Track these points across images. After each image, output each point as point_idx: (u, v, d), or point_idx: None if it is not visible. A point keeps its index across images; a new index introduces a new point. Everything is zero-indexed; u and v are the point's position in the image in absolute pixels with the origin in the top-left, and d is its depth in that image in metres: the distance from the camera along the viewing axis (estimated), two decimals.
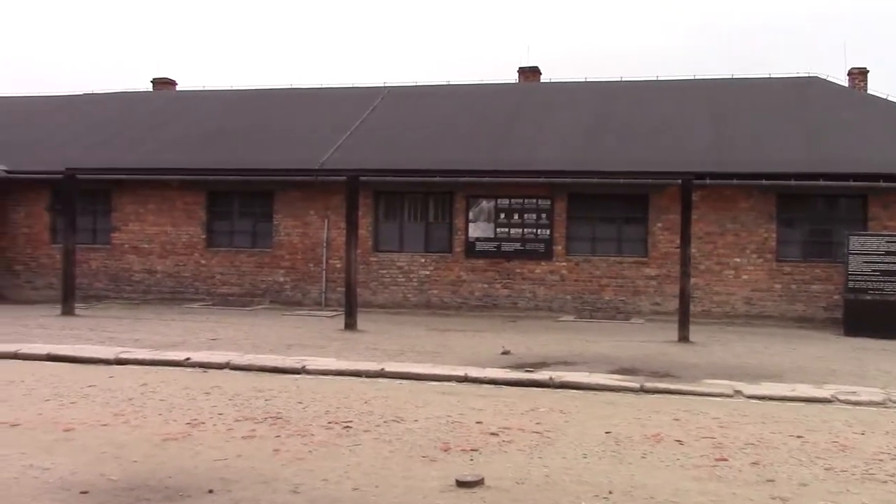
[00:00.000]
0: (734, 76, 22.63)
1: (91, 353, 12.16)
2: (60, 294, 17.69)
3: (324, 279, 19.86)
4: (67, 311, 17.14)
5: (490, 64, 60.08)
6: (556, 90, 22.92)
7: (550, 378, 10.73)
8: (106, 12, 67.99)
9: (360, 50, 64.51)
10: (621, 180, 17.54)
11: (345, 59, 62.65)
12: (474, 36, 64.30)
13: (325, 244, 19.87)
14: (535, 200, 18.89)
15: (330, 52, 64.43)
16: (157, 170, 19.82)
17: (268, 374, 11.10)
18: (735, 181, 17.33)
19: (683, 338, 14.47)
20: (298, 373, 11.20)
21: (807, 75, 22.27)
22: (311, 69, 60.96)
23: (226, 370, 11.34)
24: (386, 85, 24.57)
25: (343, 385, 10.35)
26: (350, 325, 15.78)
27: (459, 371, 11.12)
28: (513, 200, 18.99)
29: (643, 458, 6.81)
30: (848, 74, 23.28)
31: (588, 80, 23.43)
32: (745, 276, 17.91)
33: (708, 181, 17.34)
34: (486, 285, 19.11)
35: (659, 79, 22.94)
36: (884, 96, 20.68)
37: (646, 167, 17.46)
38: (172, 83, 28.04)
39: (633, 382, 10.62)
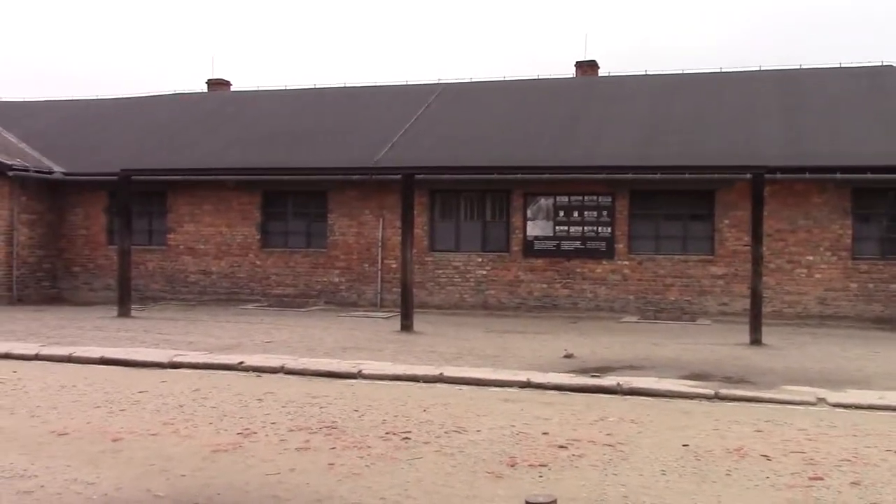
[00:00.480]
0: (802, 66, 21.70)
1: (144, 356, 11.94)
2: (117, 295, 17.60)
3: (379, 279, 19.51)
4: (124, 312, 17.05)
5: (546, 58, 59.09)
6: (615, 84, 22.26)
7: (618, 384, 10.19)
8: (159, 13, 68.84)
9: (414, 47, 64.17)
10: (686, 175, 16.83)
11: (399, 56, 62.39)
12: (530, 30, 63.40)
13: (380, 244, 19.52)
14: (595, 197, 18.28)
15: (383, 49, 64.23)
16: (211, 170, 19.64)
17: (322, 378, 10.74)
18: (808, 175, 16.51)
19: (756, 340, 13.76)
20: (354, 377, 10.82)
21: (879, 64, 21.26)
22: (364, 67, 60.82)
23: (279, 374, 11.01)
24: (441, 82, 24.15)
25: (400, 391, 9.94)
26: (406, 326, 15.37)
27: (521, 376, 10.63)
28: (572, 198, 18.41)
29: (728, 475, 6.25)
30: None
31: (648, 73, 22.73)
32: (818, 275, 17.08)
33: (778, 175, 16.56)
34: (545, 285, 18.56)
35: (722, 70, 22.14)
36: None
37: (712, 162, 16.72)
38: (227, 84, 28.00)
39: (706, 389, 10.02)
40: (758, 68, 21.87)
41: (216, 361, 11.54)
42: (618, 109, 20.63)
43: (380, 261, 19.51)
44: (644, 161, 17.46)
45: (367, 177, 18.95)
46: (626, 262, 18.10)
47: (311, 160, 19.83)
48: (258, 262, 20.45)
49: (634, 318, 17.54)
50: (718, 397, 9.78)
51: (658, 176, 17.09)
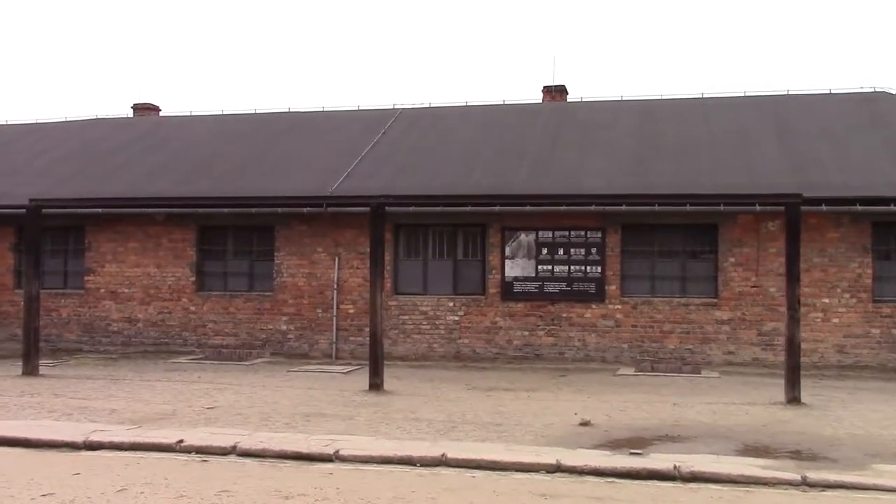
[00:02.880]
0: (790, 92, 20.13)
1: (52, 433, 9.25)
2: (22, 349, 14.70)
3: (334, 327, 17.00)
4: (29, 370, 14.18)
5: (508, 84, 56.69)
6: (591, 109, 20.34)
7: (675, 467, 7.93)
8: (78, 36, 65.17)
9: (360, 71, 61.13)
10: (688, 206, 14.82)
11: (347, 81, 59.24)
12: (488, 55, 60.89)
13: (335, 286, 17.03)
14: (583, 233, 16.18)
15: (329, 74, 61.05)
16: (137, 200, 16.98)
17: (289, 463, 8.25)
18: (824, 207, 14.66)
19: (794, 399, 11.70)
20: (329, 460, 8.36)
21: (872, 90, 19.81)
22: (309, 93, 57.49)
23: (232, 458, 8.47)
24: (397, 107, 21.92)
25: (395, 481, 7.53)
26: (375, 385, 12.92)
27: (546, 456, 8.30)
28: (557, 233, 16.27)
29: None
30: None
31: (624, 98, 20.89)
32: (835, 320, 15.21)
33: (824, 207, 14.68)
34: (526, 333, 16.30)
35: (706, 96, 20.44)
36: None
37: (724, 190, 14.79)
38: (155, 109, 25.28)
39: (787, 472, 7.84)
40: (742, 94, 20.24)
41: (147, 441, 8.91)
42: (599, 136, 18.66)
43: (335, 306, 17.02)
44: (638, 191, 15.44)
45: (323, 209, 16.48)
46: (619, 306, 15.98)
47: (254, 190, 17.33)
48: (193, 308, 17.74)
49: (631, 370, 15.37)
50: (808, 484, 7.61)
51: (656, 208, 15.07)
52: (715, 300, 15.67)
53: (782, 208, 14.70)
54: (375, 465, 8.21)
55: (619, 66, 56.41)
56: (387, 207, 14.53)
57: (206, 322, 17.66)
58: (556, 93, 22.56)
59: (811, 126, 18.23)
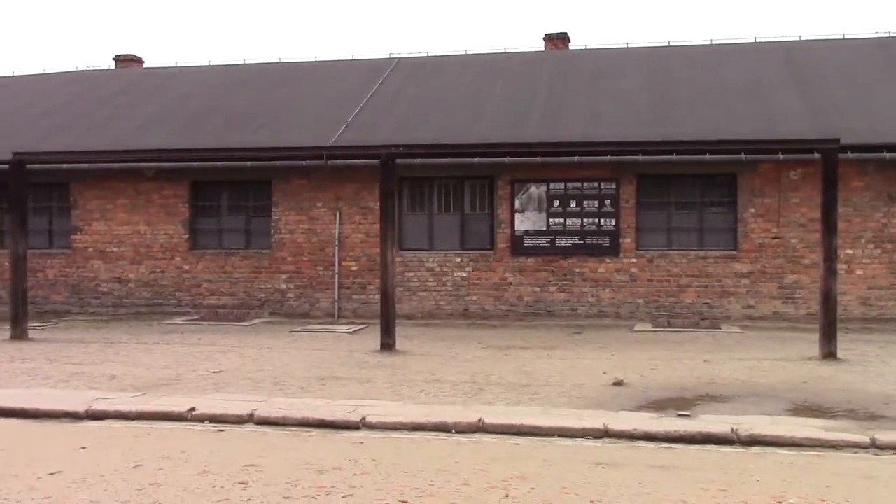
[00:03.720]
0: (802, 37, 19.42)
1: (51, 402, 8.55)
2: (10, 312, 13.91)
3: (336, 285, 16.30)
4: (18, 334, 13.41)
5: (507, 31, 54.60)
6: (597, 58, 19.54)
7: (732, 430, 7.36)
8: None
9: (350, 19, 59.29)
10: (707, 156, 14.17)
11: (334, 29, 57.42)
12: (484, 1, 58.97)
13: (336, 242, 16.30)
14: (596, 184, 15.49)
15: (314, 22, 59.25)
16: (127, 152, 16.07)
17: (312, 430, 7.61)
18: (850, 154, 14.00)
19: (830, 354, 11.16)
20: (356, 428, 7.72)
21: (887, 35, 19.12)
22: (296, 42, 55.86)
23: (249, 426, 7.81)
24: (393, 56, 21.03)
25: (433, 450, 6.92)
26: (387, 345, 12.28)
27: (591, 421, 7.69)
28: (569, 184, 15.57)
29: None
30: None
31: (631, 45, 20.08)
32: (859, 272, 14.66)
33: (850, 154, 14.02)
34: (537, 289, 15.67)
35: (716, 42, 19.68)
36: None
37: (747, 135, 14.12)
38: (139, 60, 24.21)
39: (853, 434, 7.28)
40: (753, 39, 19.50)
41: (156, 409, 8.22)
42: (608, 85, 17.90)
43: (336, 263, 16.30)
44: (654, 140, 14.74)
45: (323, 162, 15.69)
46: (634, 260, 15.36)
47: (248, 144, 16.48)
48: (186, 267, 16.97)
49: (648, 326, 14.80)
50: (878, 447, 7.06)
51: (674, 157, 14.39)
52: (734, 252, 15.08)
53: (807, 156, 14.25)
54: (407, 432, 7.58)
55: (621, 13, 54.87)
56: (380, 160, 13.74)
57: (200, 282, 16.90)
58: (558, 40, 21.72)
59: (828, 72, 17.55)
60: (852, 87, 16.68)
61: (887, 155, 14.16)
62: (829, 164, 11.23)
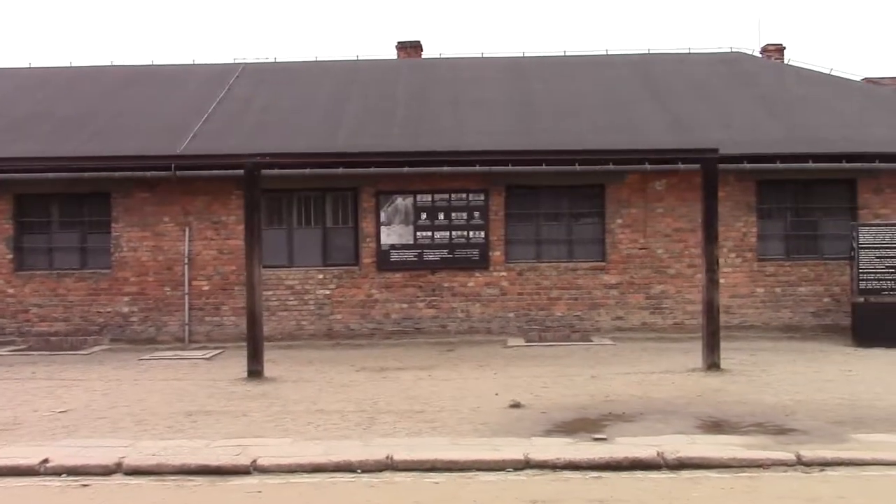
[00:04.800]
0: (651, 51, 19.82)
1: None
2: None
3: (186, 307, 14.95)
4: None
5: (355, 39, 52.99)
6: (455, 67, 19.11)
7: (658, 454, 6.95)
8: None
9: (188, 23, 55.99)
10: (578, 166, 14.00)
11: (169, 33, 54.08)
12: (328, 7, 57.14)
13: (186, 260, 14.97)
14: (464, 195, 14.97)
15: (142, 25, 55.64)
16: None
17: (199, 480, 6.61)
18: (720, 165, 14.08)
19: (713, 365, 11.10)
20: (248, 472, 6.79)
21: (729, 51, 19.82)
22: (128, 47, 52.24)
23: (118, 477, 6.72)
24: (238, 62, 19.82)
25: (344, 496, 6.13)
26: (256, 372, 11.26)
27: (508, 451, 7.12)
28: (437, 196, 14.97)
29: None
30: (763, 51, 21.06)
31: (485, 55, 19.83)
32: (721, 280, 14.72)
33: (681, 166, 14.19)
34: (405, 305, 14.96)
35: (568, 54, 19.73)
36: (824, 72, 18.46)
37: (617, 145, 14.05)
38: None
39: (775, 452, 7.12)
40: (605, 52, 19.69)
41: (2, 463, 6.91)
42: (469, 94, 17.49)
43: (186, 283, 14.96)
44: (522, 148, 14.44)
45: (171, 172, 14.35)
46: (504, 273, 14.95)
47: (82, 153, 14.89)
48: (11, 291, 15.10)
49: (521, 341, 14.41)
50: (804, 463, 6.87)
51: (543, 168, 14.13)
52: (603, 264, 14.95)
53: (671, 167, 14.37)
54: (306, 474, 6.73)
55: (470, 22, 54.82)
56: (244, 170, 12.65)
57: (28, 306, 15.09)
58: (410, 49, 21.20)
59: (680, 85, 17.90)
60: (707, 100, 17.06)
61: (747, 166, 14.44)
62: (709, 174, 11.21)
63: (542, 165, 14.23)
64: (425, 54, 21.39)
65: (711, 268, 11.14)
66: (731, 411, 8.79)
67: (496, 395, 9.86)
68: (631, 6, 55.72)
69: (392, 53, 21.61)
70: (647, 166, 14.31)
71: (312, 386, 10.72)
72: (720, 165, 13.42)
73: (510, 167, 14.35)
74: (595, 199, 15.12)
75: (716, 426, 8.15)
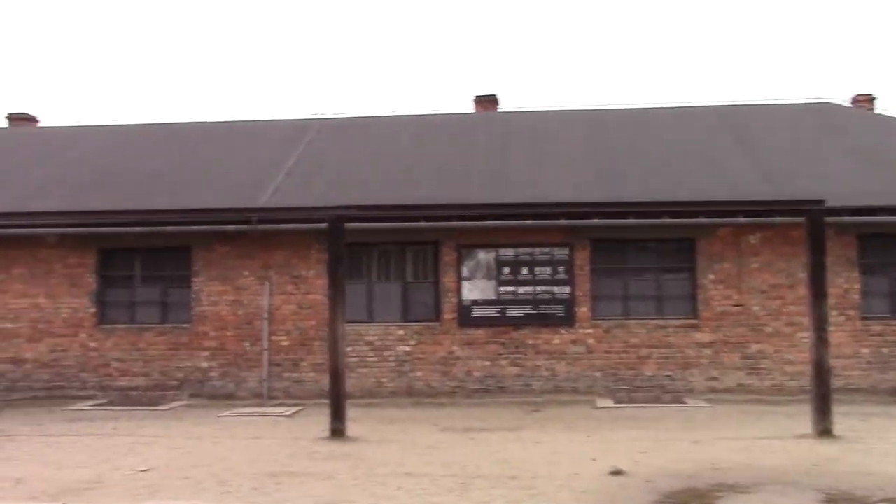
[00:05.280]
0: (736, 102, 19.26)
1: None
2: None
3: (265, 363, 14.74)
4: None
5: (428, 94, 53.25)
6: (532, 120, 18.86)
7: None
8: None
9: (263, 81, 57.23)
10: (667, 219, 13.49)
11: (245, 91, 55.23)
12: (403, 64, 57.87)
13: (266, 315, 14.80)
14: (548, 249, 14.56)
15: (219, 84, 56.95)
16: (23, 214, 14.37)
17: None
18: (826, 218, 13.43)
19: (825, 431, 10.33)
20: None
21: (820, 101, 19.17)
22: (204, 104, 53.51)
23: None
24: (316, 117, 19.87)
25: None
26: (338, 431, 10.87)
27: None
28: (519, 250, 14.59)
29: None
30: (853, 101, 20.33)
31: (565, 108, 19.55)
32: None
33: (777, 219, 13.56)
34: (487, 363, 14.51)
35: (650, 106, 19.31)
36: None
37: (714, 196, 13.52)
38: (33, 120, 22.32)
39: None
40: (688, 104, 19.22)
41: None
42: (548, 147, 17.17)
43: (266, 338, 14.77)
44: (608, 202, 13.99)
45: (254, 226, 14.29)
46: (591, 330, 14.41)
47: (164, 206, 14.95)
48: (93, 345, 15.11)
49: (609, 402, 13.78)
50: None
51: (631, 221, 13.66)
52: (695, 321, 14.31)
53: (766, 220, 13.76)
54: None
55: (544, 77, 54.82)
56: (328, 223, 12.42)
57: (109, 361, 15.05)
58: (487, 102, 21.04)
59: (769, 136, 17.31)
60: (798, 151, 16.44)
61: (848, 219, 13.75)
62: (814, 227, 10.59)
63: (629, 218, 13.77)
64: (500, 108, 21.20)
65: (821, 326, 10.43)
66: (856, 483, 8.06)
67: (593, 460, 9.28)
68: (709, 58, 55.09)
69: (466, 107, 21.51)
70: (742, 219, 13.71)
71: (397, 447, 10.28)
72: (829, 218, 12.83)
73: (595, 220, 13.90)
74: (685, 254, 14.55)
75: (843, 501, 7.45)
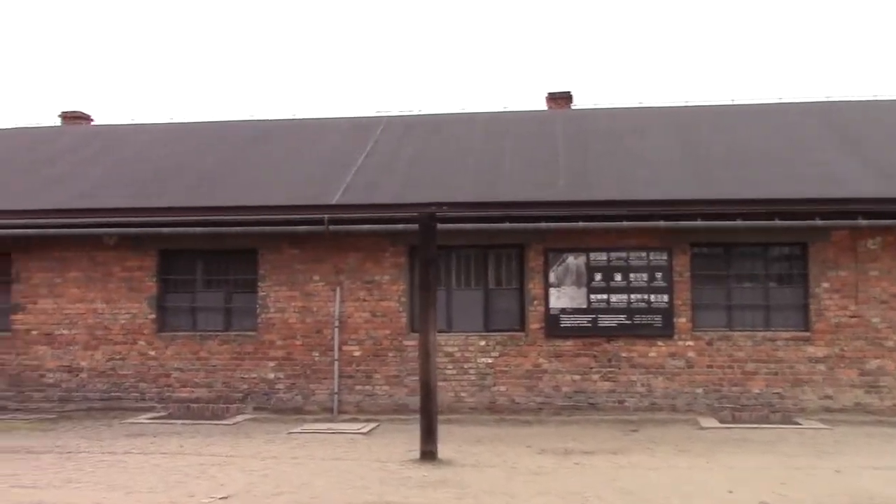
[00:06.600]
0: (829, 98, 17.90)
1: None
2: None
3: (336, 374, 13.71)
4: None
5: (497, 91, 51.60)
6: (612, 117, 17.64)
7: None
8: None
9: (327, 77, 55.78)
10: (777, 221, 12.24)
11: (308, 87, 53.91)
12: (472, 59, 56.13)
13: (336, 323, 13.78)
14: (644, 254, 13.37)
15: (279, 81, 55.60)
16: (80, 211, 13.55)
17: None
18: None
19: None
20: None
21: None
22: (264, 101, 52.24)
23: None
24: (382, 115, 18.86)
25: None
26: (430, 454, 9.80)
27: None
28: (612, 255, 13.42)
29: None
30: None
31: (643, 105, 18.31)
32: None
33: None
34: (577, 377, 13.34)
35: (736, 103, 18.00)
36: None
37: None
38: (87, 118, 21.57)
39: None
40: (779, 100, 17.89)
41: None
42: (632, 145, 15.96)
43: (336, 347, 13.75)
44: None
45: (324, 227, 13.29)
46: (691, 343, 13.18)
47: (226, 202, 14.03)
48: (152, 353, 14.20)
49: (713, 422, 12.54)
50: None
51: (738, 223, 12.43)
52: (807, 334, 13.01)
53: (886, 222, 12.46)
54: None
55: (616, 73, 53.00)
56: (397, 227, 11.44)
57: (169, 370, 14.13)
58: (561, 99, 19.83)
59: (873, 132, 15.93)
60: None
61: None
62: None
63: (736, 220, 12.54)
64: (573, 105, 20.02)
65: None
66: None
67: (730, 492, 8.09)
68: (797, 55, 52.69)
69: (538, 104, 20.37)
70: (862, 221, 12.42)
71: (497, 472, 9.17)
72: None
73: (698, 222, 12.69)
74: (795, 260, 13.28)
75: None
